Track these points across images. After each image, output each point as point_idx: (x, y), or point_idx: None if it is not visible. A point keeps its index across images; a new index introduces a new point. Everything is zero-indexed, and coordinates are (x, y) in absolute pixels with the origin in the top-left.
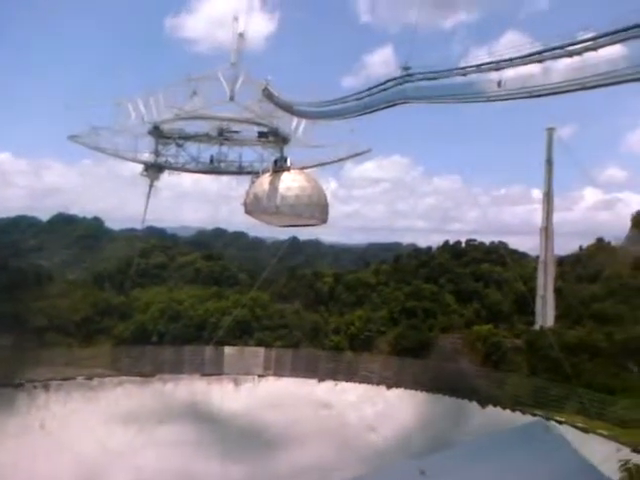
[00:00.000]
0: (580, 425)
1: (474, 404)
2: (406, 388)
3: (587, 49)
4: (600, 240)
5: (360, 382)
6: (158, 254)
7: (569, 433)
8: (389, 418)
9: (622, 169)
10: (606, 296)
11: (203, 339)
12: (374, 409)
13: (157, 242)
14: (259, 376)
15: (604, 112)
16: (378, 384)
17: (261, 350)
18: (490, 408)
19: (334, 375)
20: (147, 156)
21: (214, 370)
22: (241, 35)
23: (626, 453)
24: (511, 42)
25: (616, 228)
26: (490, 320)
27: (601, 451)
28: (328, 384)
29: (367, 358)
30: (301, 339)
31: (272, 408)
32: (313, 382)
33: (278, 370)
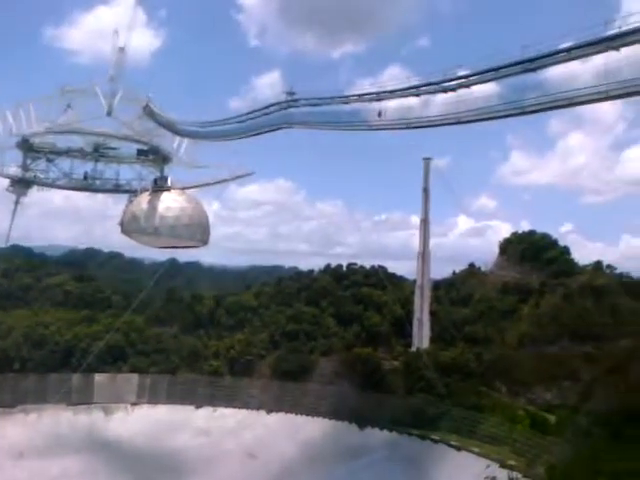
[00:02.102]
0: (454, 443)
1: (353, 426)
2: (286, 412)
3: (461, 86)
4: (472, 266)
5: (240, 407)
6: (23, 275)
7: (443, 451)
8: (269, 443)
9: (492, 199)
10: (476, 319)
11: (71, 366)
12: (254, 434)
13: (22, 262)
14: (132, 404)
15: (478, 145)
16: (258, 409)
17: (135, 376)
18: (368, 429)
19: (213, 401)
20: (14, 170)
21: (82, 399)
22: (122, 49)
23: (494, 469)
24: (394, 75)
25: (486, 254)
26: (370, 342)
27: (472, 467)
28: (206, 410)
29: (247, 383)
30: (178, 364)
31: (145, 437)
32: (190, 409)
33: (153, 397)
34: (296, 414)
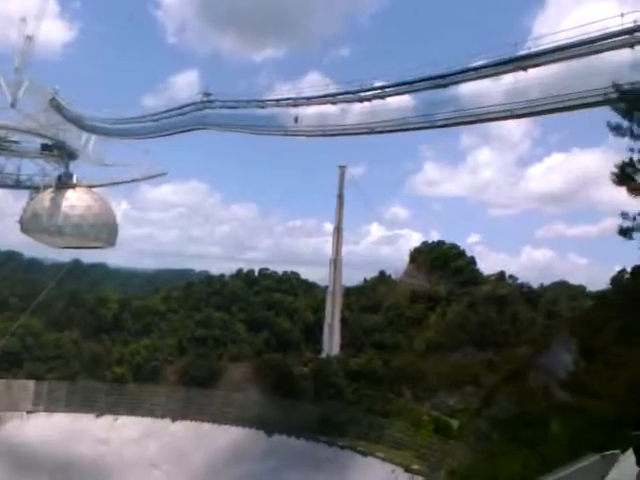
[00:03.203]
0: (361, 449)
1: (261, 433)
2: (193, 420)
3: (376, 97)
4: (382, 273)
5: (144, 415)
6: None
7: (350, 457)
8: (173, 452)
9: (405, 208)
10: (386, 326)
11: None
12: (158, 443)
13: None
14: (28, 412)
15: (393, 155)
16: (163, 417)
17: (31, 383)
18: (276, 436)
19: (115, 409)
20: None
21: None
22: (29, 38)
23: (400, 473)
24: (313, 82)
25: (397, 262)
26: (280, 349)
27: (378, 472)
28: (107, 419)
29: (153, 390)
30: (79, 371)
31: (41, 447)
32: (90, 417)
33: (50, 405)
34: (203, 422)
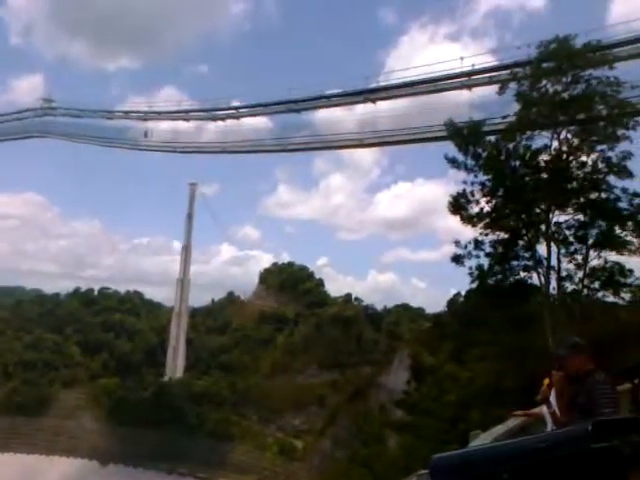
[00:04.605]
0: (202, 475)
1: (95, 463)
2: (16, 451)
3: (230, 116)
4: (231, 294)
5: None
6: None
7: None
8: None
9: (256, 229)
10: (232, 347)
11: None
12: None
13: None
14: None
15: (247, 175)
16: None
17: None
18: (111, 466)
19: None
20: None
21: None
22: None
23: None
24: (168, 97)
25: (247, 283)
26: (119, 372)
27: None
28: None
29: None
30: None
31: None
32: None
33: None
34: (29, 453)
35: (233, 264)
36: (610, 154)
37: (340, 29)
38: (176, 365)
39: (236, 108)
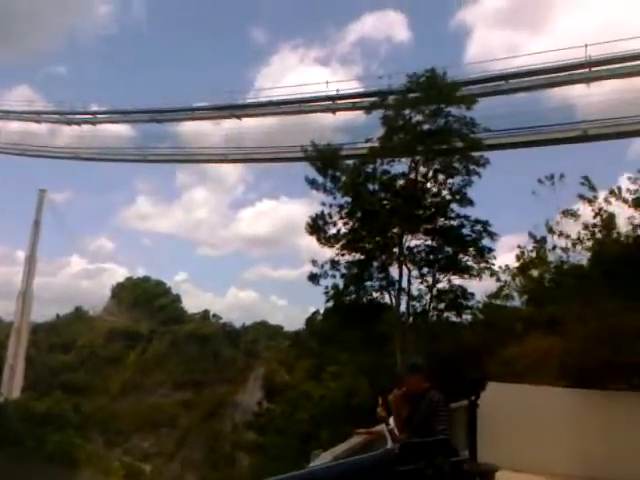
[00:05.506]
0: None
1: None
2: None
3: (87, 121)
4: (79, 309)
5: None
6: None
7: None
8: None
9: (111, 241)
10: (78, 366)
11: None
12: None
13: None
14: None
15: (102, 184)
16: None
17: None
18: None
19: None
20: None
21: None
22: None
23: None
24: (21, 96)
25: (98, 298)
26: None
27: None
28: None
29: None
30: None
31: None
32: None
33: None
34: None
35: (83, 277)
36: (451, 181)
37: (210, 43)
38: (12, 385)
39: (94, 113)
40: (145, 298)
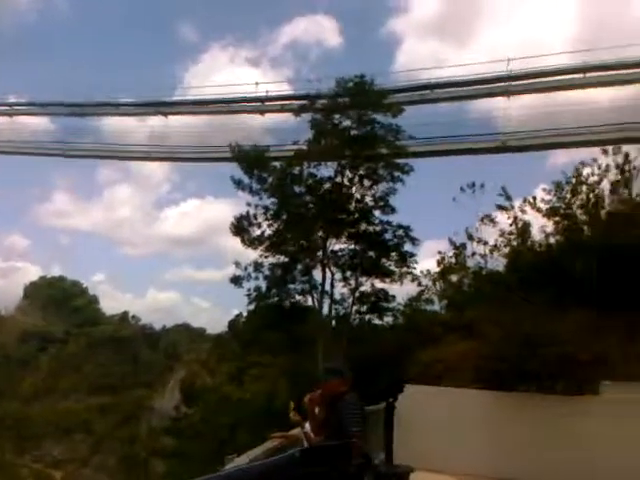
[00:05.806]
0: None
1: None
2: None
3: (2, 113)
4: None
5: None
6: None
7: None
8: None
9: (24, 238)
10: None
11: None
12: None
13: None
14: None
15: (17, 178)
16: None
17: None
18: None
19: None
20: None
21: None
22: None
23: None
24: None
25: (9, 298)
26: None
27: None
28: None
29: None
30: None
31: None
32: None
33: None
34: None
35: None
36: (375, 188)
37: (138, 38)
38: None
39: (11, 105)
40: (60, 298)
